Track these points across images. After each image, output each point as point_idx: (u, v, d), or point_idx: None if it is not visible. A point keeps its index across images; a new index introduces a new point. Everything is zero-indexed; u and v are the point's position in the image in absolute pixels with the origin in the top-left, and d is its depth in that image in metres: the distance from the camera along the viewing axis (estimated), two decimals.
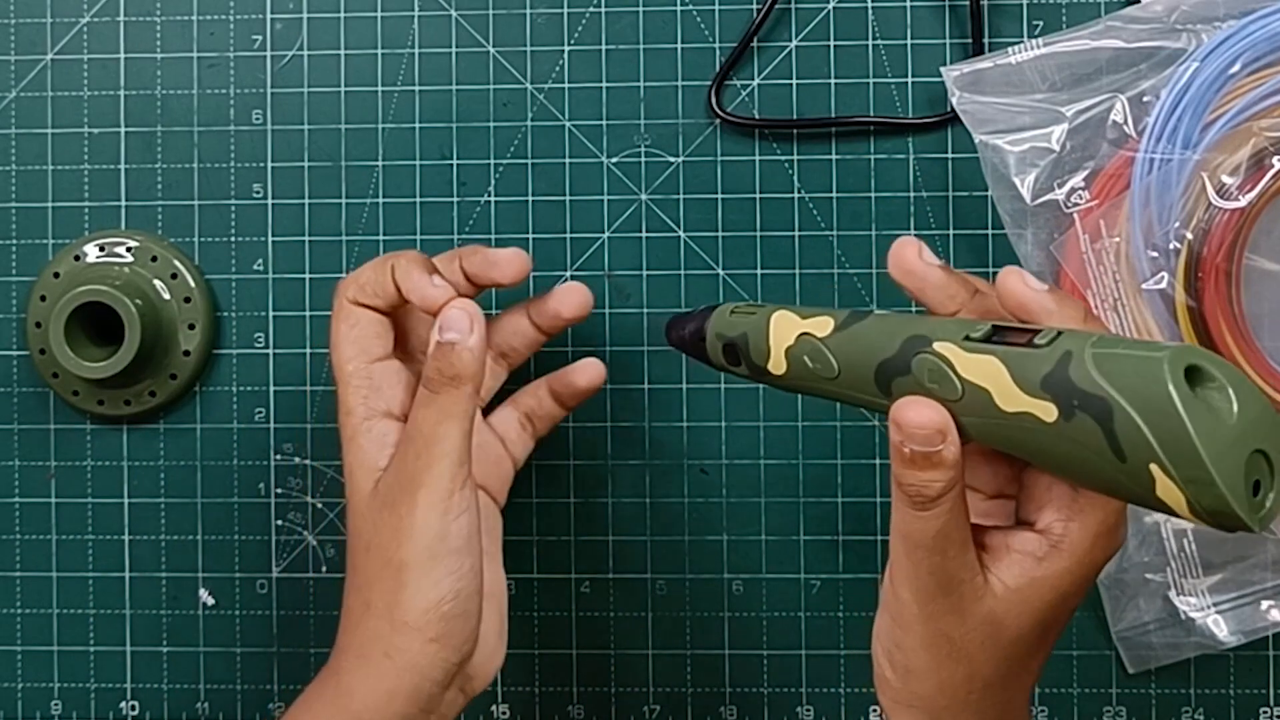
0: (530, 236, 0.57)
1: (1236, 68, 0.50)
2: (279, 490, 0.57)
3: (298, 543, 0.57)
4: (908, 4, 0.56)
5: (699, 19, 0.57)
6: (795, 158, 0.56)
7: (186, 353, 0.57)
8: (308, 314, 0.57)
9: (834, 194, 0.56)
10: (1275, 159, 0.50)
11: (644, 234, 0.57)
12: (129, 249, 0.57)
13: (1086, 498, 0.37)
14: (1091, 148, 0.52)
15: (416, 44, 0.57)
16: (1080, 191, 0.52)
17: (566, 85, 0.57)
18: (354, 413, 0.46)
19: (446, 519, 0.44)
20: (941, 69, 0.53)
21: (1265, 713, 0.55)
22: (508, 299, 0.57)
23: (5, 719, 0.58)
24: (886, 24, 0.56)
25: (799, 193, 0.56)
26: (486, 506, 0.51)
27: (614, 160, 0.57)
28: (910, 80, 0.56)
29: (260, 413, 0.57)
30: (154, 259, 0.57)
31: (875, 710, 0.56)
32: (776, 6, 0.56)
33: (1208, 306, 0.50)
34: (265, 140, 0.57)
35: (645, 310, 0.57)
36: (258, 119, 0.57)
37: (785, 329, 0.41)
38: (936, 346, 0.36)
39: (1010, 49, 0.53)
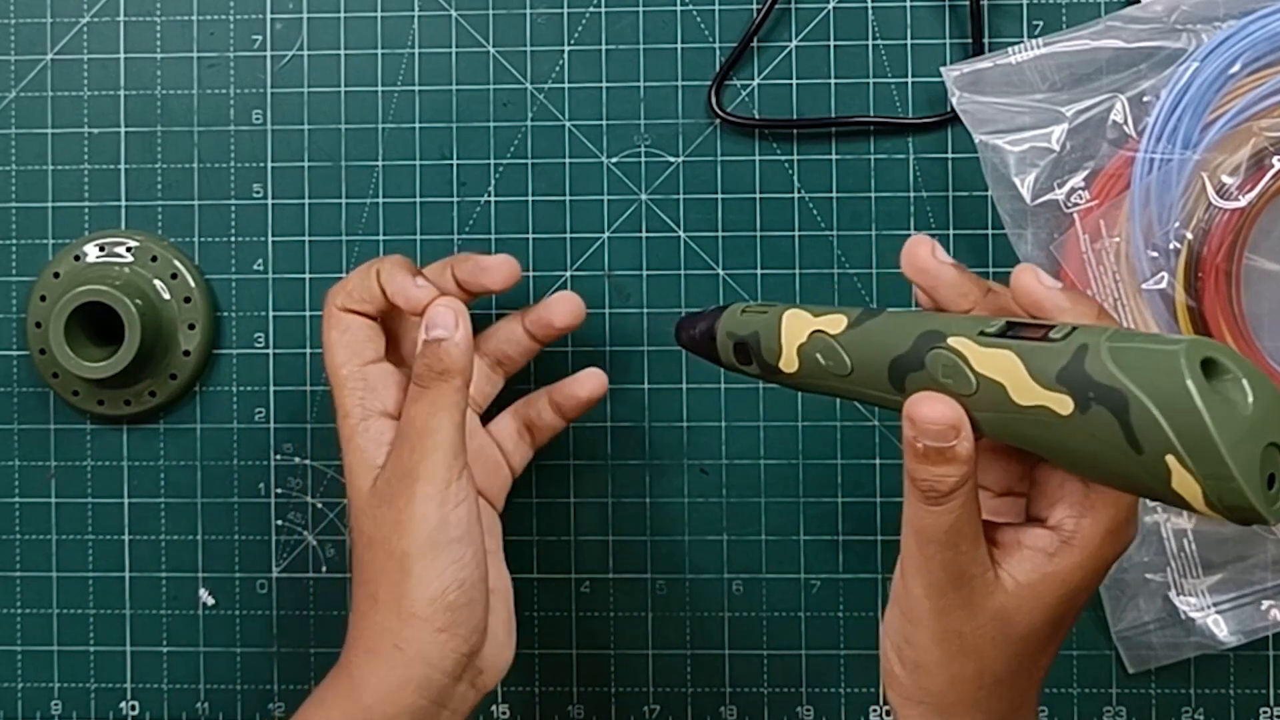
0: (530, 236, 0.57)
1: (1236, 68, 0.50)
2: (279, 490, 0.57)
3: (298, 543, 0.57)
4: (908, 4, 0.56)
5: (699, 19, 0.57)
6: (795, 158, 0.56)
7: (186, 353, 0.57)
8: (307, 314, 0.57)
9: (834, 194, 0.56)
10: (1275, 159, 0.50)
11: (644, 234, 0.57)
12: (129, 249, 0.57)
13: (1098, 494, 0.37)
14: (1091, 148, 0.52)
15: (416, 44, 0.57)
16: (1080, 191, 0.52)
17: (566, 85, 0.57)
18: (350, 415, 0.47)
19: (445, 509, 0.44)
20: (941, 69, 0.53)
21: (1265, 713, 0.55)
22: (505, 306, 0.57)
23: (5, 719, 0.58)
24: (886, 24, 0.56)
25: (799, 193, 0.56)
26: (485, 510, 0.51)
27: (614, 160, 0.57)
28: (910, 80, 0.56)
29: (260, 413, 0.58)
30: (154, 259, 0.57)
31: (875, 710, 0.56)
32: (776, 6, 0.56)
33: (1208, 306, 0.50)
34: (265, 140, 0.57)
35: (645, 310, 0.57)
36: (258, 119, 0.57)
37: (798, 327, 0.41)
38: (951, 341, 0.37)
39: (1010, 49, 0.53)
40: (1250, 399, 0.32)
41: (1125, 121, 0.51)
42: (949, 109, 0.54)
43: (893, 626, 0.41)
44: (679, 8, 0.57)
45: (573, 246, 0.57)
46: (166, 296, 0.57)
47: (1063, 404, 0.34)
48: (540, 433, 0.53)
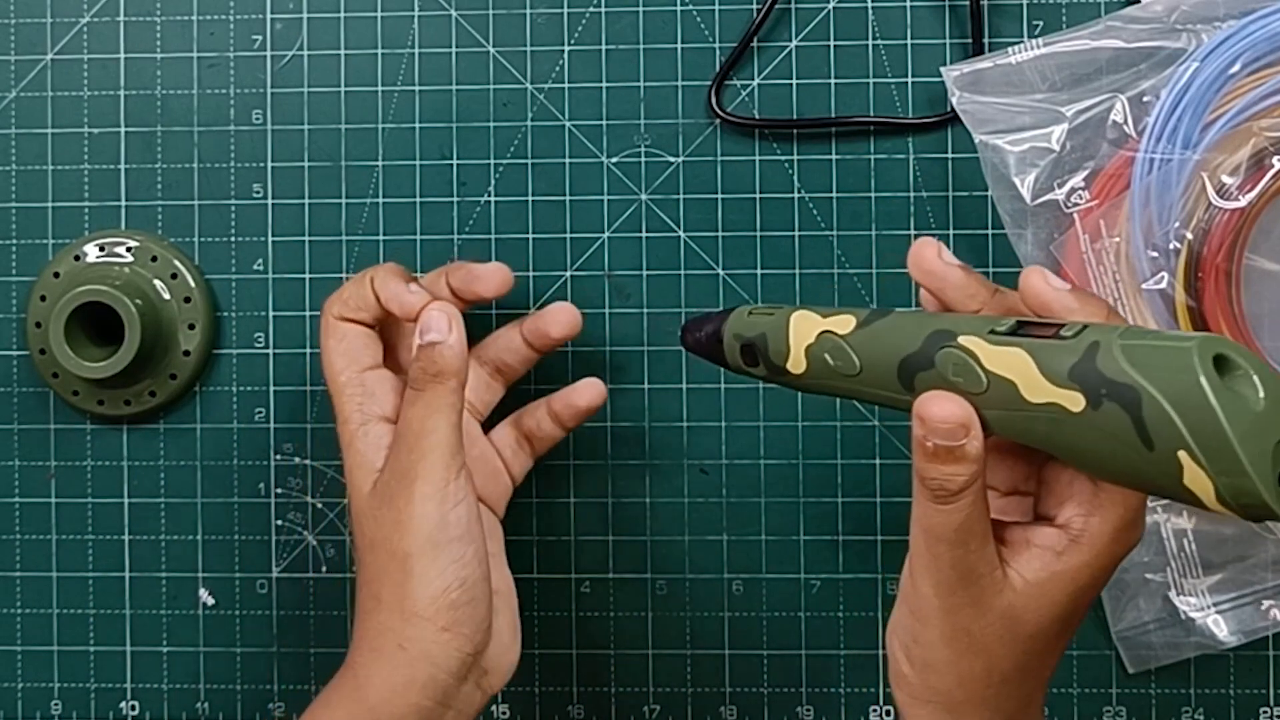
0: (530, 236, 0.57)
1: (1236, 68, 0.50)
2: (279, 490, 0.57)
3: (298, 543, 0.57)
4: (908, 4, 0.56)
5: (699, 19, 0.57)
6: (795, 158, 0.56)
7: (186, 353, 0.57)
8: (308, 314, 0.57)
9: (834, 194, 0.56)
10: (1275, 159, 0.50)
11: (644, 234, 0.57)
12: (129, 249, 0.57)
13: (1107, 492, 0.38)
14: (1091, 148, 0.52)
15: (416, 44, 0.57)
16: (1080, 191, 0.52)
17: (566, 85, 0.57)
18: (350, 420, 0.48)
19: (444, 508, 0.45)
20: (941, 69, 0.53)
21: (1265, 713, 0.55)
22: (506, 306, 0.57)
23: (5, 719, 0.58)
24: (886, 24, 0.56)
25: (799, 193, 0.56)
26: (486, 515, 0.51)
27: (614, 160, 0.57)
28: (910, 80, 0.56)
29: (260, 413, 0.58)
30: (154, 259, 0.57)
31: (875, 710, 0.56)
32: (776, 6, 0.56)
33: (1208, 306, 0.50)
34: (265, 140, 0.57)
35: (645, 310, 0.57)
36: (258, 119, 0.57)
37: (806, 328, 0.41)
38: (962, 340, 0.37)
39: (1010, 49, 0.53)
40: (1262, 395, 0.32)
41: (1125, 121, 0.51)
42: (949, 109, 0.54)
43: (901, 625, 0.41)
44: (679, 8, 0.57)
45: (573, 246, 0.57)
46: (166, 296, 0.57)
47: (1074, 401, 0.34)
48: (539, 442, 0.53)
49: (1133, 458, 0.33)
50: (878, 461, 0.56)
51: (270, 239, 0.57)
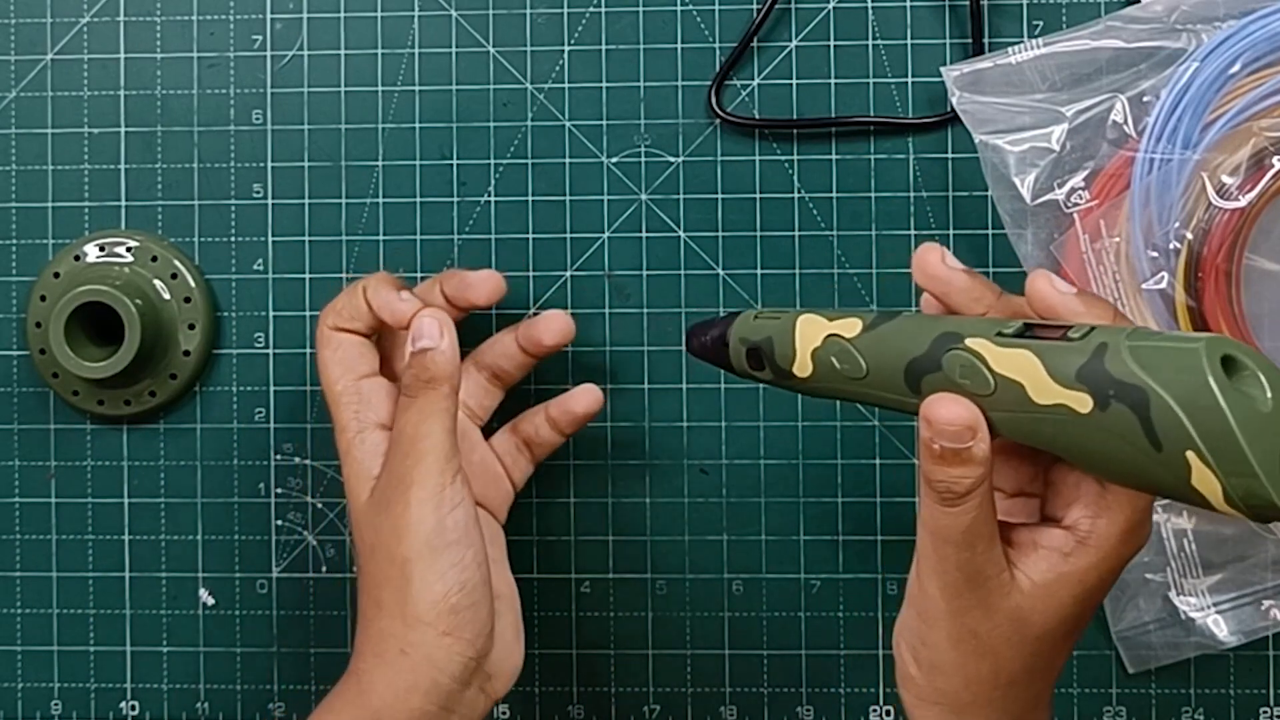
0: (530, 236, 0.57)
1: (1236, 68, 0.50)
2: (279, 490, 0.57)
3: (298, 543, 0.57)
4: (908, 4, 0.56)
5: (699, 19, 0.57)
6: (795, 158, 0.56)
7: (186, 353, 0.57)
8: (308, 314, 0.57)
9: (834, 194, 0.56)
10: (1275, 159, 0.50)
11: (644, 234, 0.57)
12: (129, 249, 0.57)
13: (1114, 494, 0.38)
14: (1091, 148, 0.52)
15: (416, 44, 0.57)
16: (1080, 191, 0.52)
17: (566, 85, 0.57)
18: (347, 428, 0.48)
19: (441, 512, 0.45)
20: (941, 69, 0.53)
21: (1265, 713, 0.55)
22: (507, 307, 0.57)
23: (5, 719, 0.58)
24: (886, 24, 0.56)
25: (799, 193, 0.56)
26: (487, 521, 0.52)
27: (614, 160, 0.57)
28: (910, 80, 0.56)
29: (260, 413, 0.57)
30: (154, 259, 0.57)
31: (875, 710, 0.56)
32: (776, 6, 0.56)
33: (1208, 306, 0.50)
34: (265, 140, 0.57)
35: (645, 310, 0.57)
36: (258, 119, 0.57)
37: (812, 331, 0.41)
38: (969, 342, 0.37)
39: (1010, 49, 0.53)
40: (1269, 395, 0.32)
41: (1125, 121, 0.51)
42: (949, 109, 0.54)
43: (908, 627, 0.41)
44: (679, 8, 0.57)
45: (573, 246, 0.57)
46: (166, 296, 0.57)
47: (1082, 402, 0.34)
48: (538, 448, 0.53)
49: (1141, 459, 0.33)
50: (878, 461, 0.56)
51: (270, 239, 0.57)
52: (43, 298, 0.57)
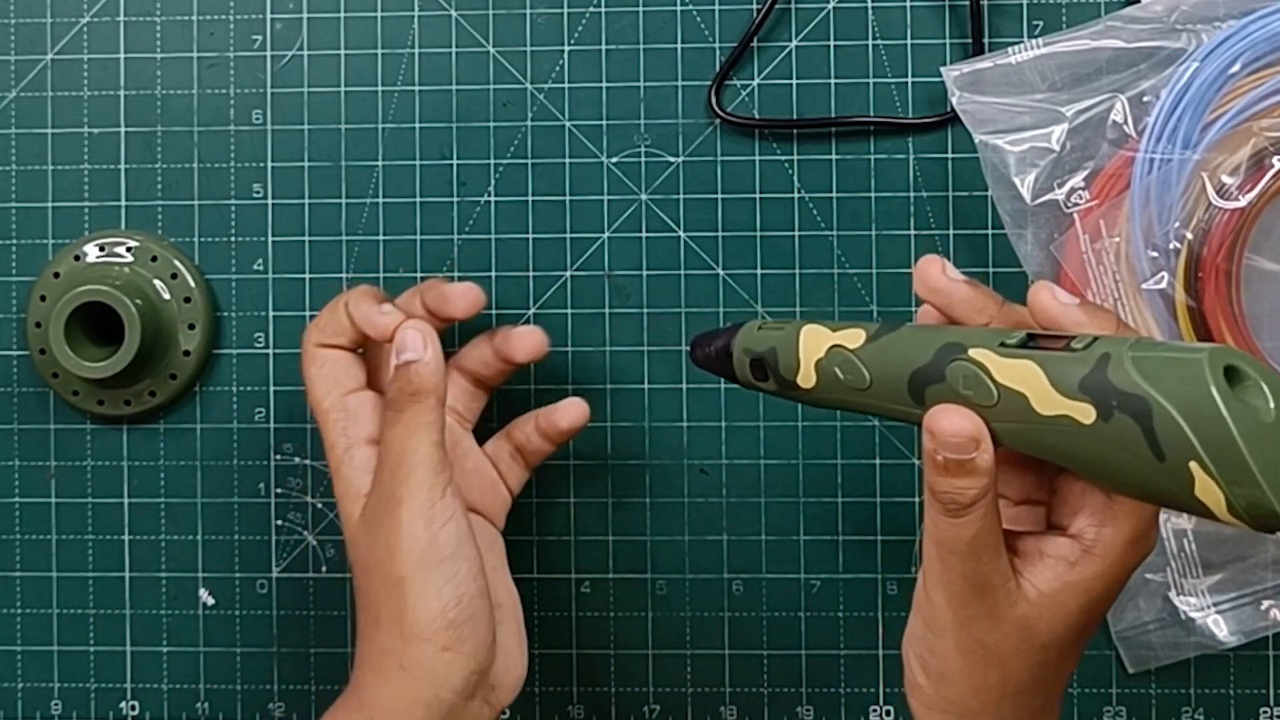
0: (530, 236, 0.57)
1: (1236, 68, 0.50)
2: (279, 490, 0.57)
3: (298, 543, 0.57)
4: (908, 4, 0.56)
5: (699, 19, 0.57)
6: (795, 158, 0.56)
7: (186, 353, 0.57)
8: (308, 314, 0.57)
9: (834, 194, 0.56)
10: (1275, 159, 0.50)
11: (644, 234, 0.57)
12: (129, 249, 0.57)
13: (1120, 503, 0.38)
14: (1091, 148, 0.52)
15: (416, 44, 0.57)
16: (1080, 191, 0.52)
17: (566, 85, 0.57)
18: (336, 445, 0.48)
19: (433, 528, 0.45)
20: (941, 69, 0.53)
21: (1265, 713, 0.55)
22: (506, 306, 0.57)
23: (5, 719, 0.58)
24: (886, 24, 0.56)
25: (799, 193, 0.56)
26: (486, 528, 0.51)
27: (614, 160, 0.57)
28: (910, 80, 0.56)
29: (260, 413, 0.57)
30: (154, 259, 0.57)
31: (875, 710, 0.56)
32: (776, 6, 0.56)
33: (1208, 306, 0.50)
34: (265, 140, 0.57)
35: (645, 310, 0.57)
36: (258, 119, 0.57)
37: (816, 342, 0.41)
38: (972, 353, 0.37)
39: (1010, 49, 0.53)
40: (1273, 405, 0.32)
41: (1125, 121, 0.51)
42: (949, 109, 0.54)
43: (915, 636, 0.41)
44: (679, 8, 0.57)
45: (573, 246, 0.57)
46: (166, 296, 0.57)
47: (1085, 413, 0.34)
48: (531, 455, 0.53)
49: (1144, 469, 0.33)
50: (878, 461, 0.56)
51: (270, 239, 0.57)
52: (43, 298, 0.57)
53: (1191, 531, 0.53)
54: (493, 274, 0.57)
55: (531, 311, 0.57)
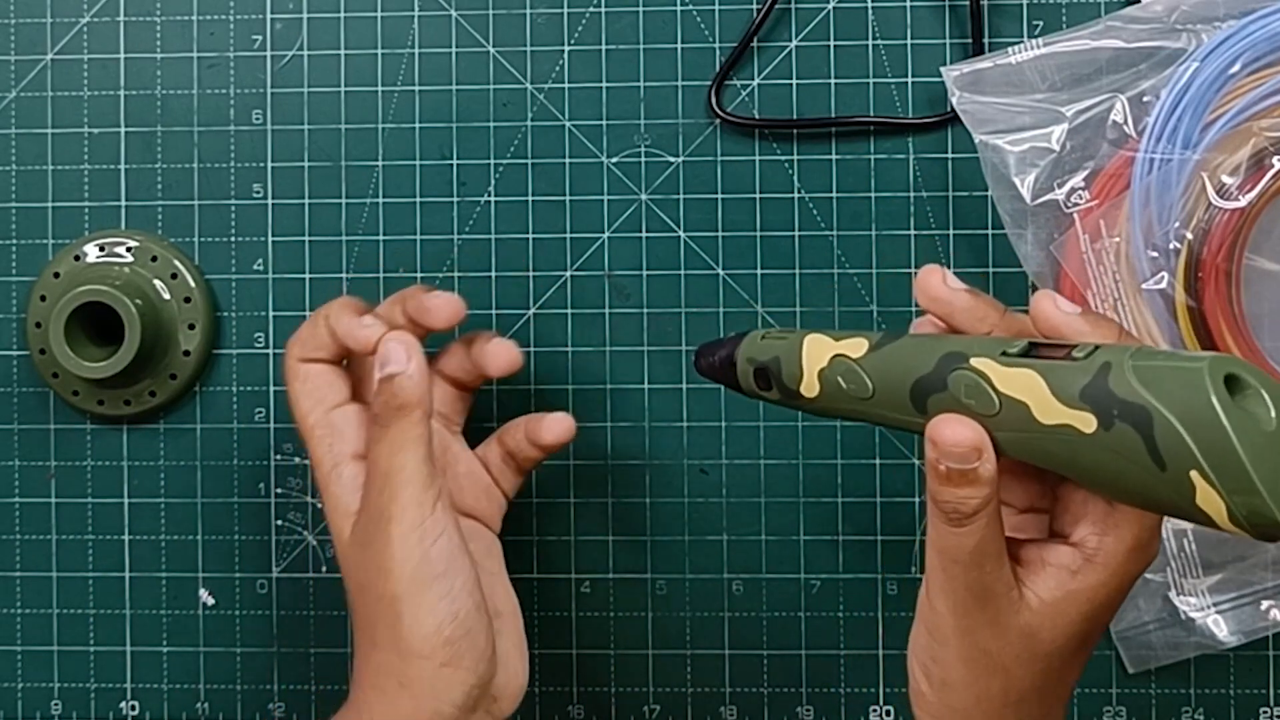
0: (530, 236, 0.57)
1: (1236, 68, 0.50)
2: (279, 490, 0.57)
3: (298, 543, 0.57)
4: (908, 4, 0.56)
5: (699, 19, 0.57)
6: (795, 158, 0.56)
7: (186, 353, 0.57)
8: (308, 314, 0.57)
9: (834, 194, 0.56)
10: (1275, 159, 0.50)
11: (644, 234, 0.57)
12: (129, 249, 0.57)
13: (1122, 512, 0.38)
14: (1091, 148, 0.52)
15: (416, 44, 0.57)
16: (1080, 191, 0.52)
17: (566, 85, 0.57)
18: (322, 463, 0.47)
19: (424, 545, 0.44)
20: (941, 69, 0.53)
21: (1265, 713, 0.55)
22: (506, 305, 0.57)
23: (5, 719, 0.58)
24: (886, 24, 0.56)
25: (799, 193, 0.56)
26: (483, 534, 0.51)
27: (614, 160, 0.57)
28: (910, 80, 0.56)
29: (260, 413, 0.57)
30: (154, 259, 0.57)
31: (875, 710, 0.56)
32: (776, 6, 0.56)
33: (1208, 306, 0.50)
34: (265, 140, 0.57)
35: (645, 310, 0.57)
36: (258, 119, 0.57)
37: (819, 351, 0.41)
38: (974, 362, 0.37)
39: (1010, 49, 0.53)
40: (1273, 414, 0.32)
41: (1125, 121, 0.51)
42: (949, 109, 0.54)
43: (919, 645, 0.41)
44: (679, 8, 0.57)
45: (573, 246, 0.57)
46: (166, 296, 0.57)
47: (1086, 422, 0.34)
48: (523, 461, 0.52)
49: (1145, 478, 0.33)
50: (878, 461, 0.56)
51: (270, 239, 0.57)
52: (43, 298, 0.57)
53: (1191, 532, 0.53)
54: (493, 274, 0.57)
55: (532, 311, 0.57)
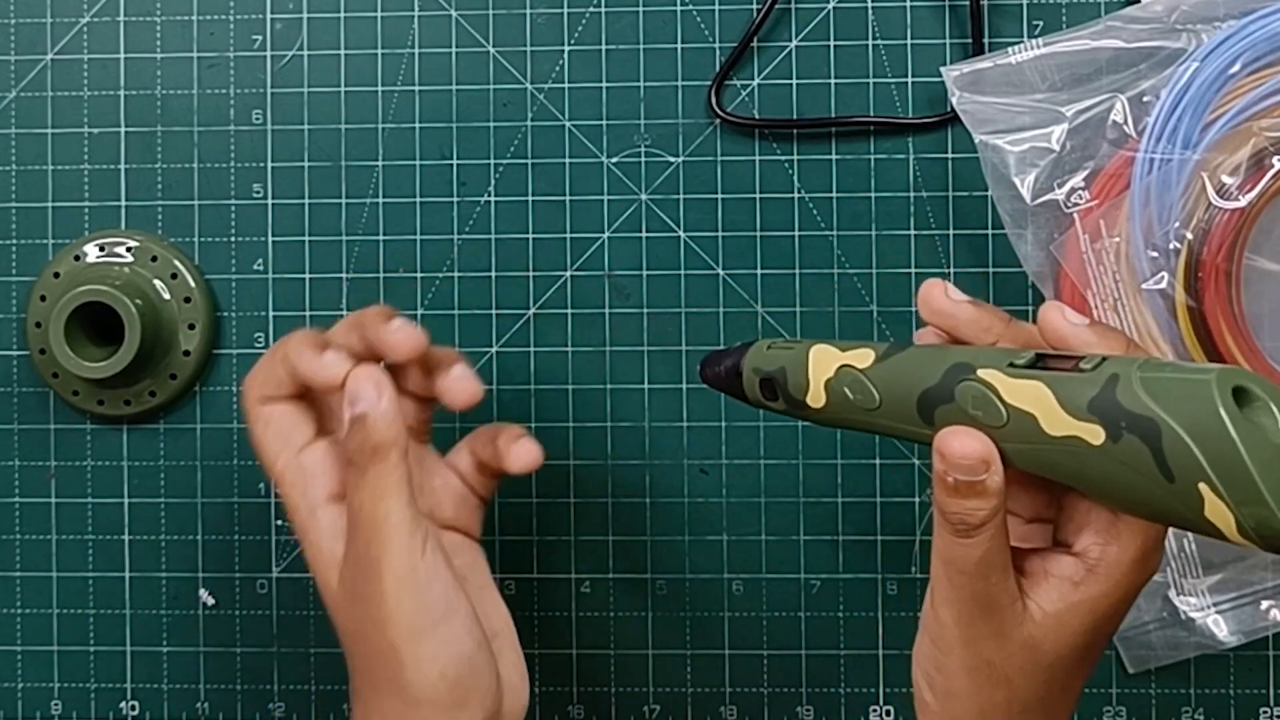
0: (530, 236, 0.57)
1: (1236, 68, 0.50)
2: (279, 490, 0.57)
3: (297, 543, 0.57)
4: (908, 4, 0.56)
5: (699, 19, 0.57)
6: (795, 158, 0.56)
7: (186, 353, 0.57)
8: (308, 314, 0.57)
9: (834, 194, 0.56)
10: (1275, 159, 0.50)
11: (644, 234, 0.57)
12: (129, 249, 0.57)
13: (1125, 522, 0.37)
14: (1091, 148, 0.52)
15: (416, 44, 0.57)
16: (1080, 191, 0.52)
17: (566, 85, 0.57)
18: (298, 509, 0.44)
19: (420, 593, 0.42)
20: (941, 69, 0.53)
21: (1265, 713, 0.55)
22: (506, 305, 0.57)
23: (5, 719, 0.58)
24: (886, 24, 0.56)
25: (799, 193, 0.56)
26: (464, 547, 0.48)
27: (614, 160, 0.57)
28: (910, 80, 0.56)
29: None
30: (154, 259, 0.57)
31: (875, 710, 0.56)
32: (776, 6, 0.56)
33: (1208, 306, 0.50)
34: (265, 140, 0.57)
35: (645, 310, 0.57)
36: (258, 119, 0.57)
37: (825, 362, 0.41)
38: (981, 373, 0.37)
39: (1010, 49, 0.53)
40: None
41: (1125, 121, 0.51)
42: (949, 109, 0.54)
43: (923, 654, 0.41)
44: (679, 8, 0.57)
45: (573, 246, 0.57)
46: (166, 296, 0.57)
47: (1094, 434, 0.34)
48: (496, 470, 0.48)
49: (1153, 490, 0.33)
50: (878, 461, 0.56)
51: (270, 239, 0.57)
52: (43, 298, 0.57)
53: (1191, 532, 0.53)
54: (493, 274, 0.57)
55: (532, 311, 0.57)
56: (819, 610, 0.56)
